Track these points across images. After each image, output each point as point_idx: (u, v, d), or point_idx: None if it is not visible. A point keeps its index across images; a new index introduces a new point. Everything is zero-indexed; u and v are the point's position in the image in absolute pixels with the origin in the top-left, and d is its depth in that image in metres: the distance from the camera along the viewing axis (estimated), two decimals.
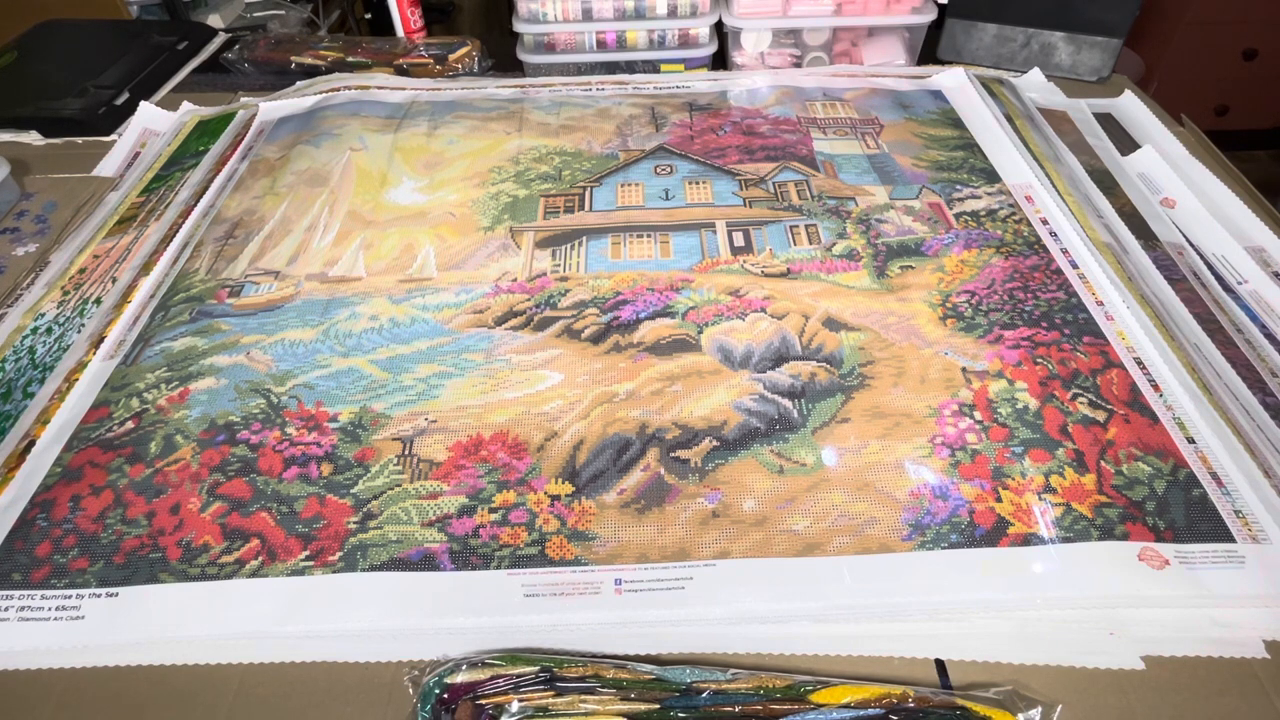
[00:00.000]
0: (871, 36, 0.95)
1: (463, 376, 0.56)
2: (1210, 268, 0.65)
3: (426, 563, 0.45)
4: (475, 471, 0.50)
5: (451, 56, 0.96)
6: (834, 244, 0.67)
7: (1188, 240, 0.68)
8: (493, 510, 0.48)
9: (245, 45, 1.01)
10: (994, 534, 0.45)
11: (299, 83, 0.94)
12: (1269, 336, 0.58)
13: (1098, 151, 0.79)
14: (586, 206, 0.72)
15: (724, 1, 0.92)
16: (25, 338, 0.61)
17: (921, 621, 0.43)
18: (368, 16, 1.81)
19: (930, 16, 0.90)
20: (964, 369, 0.55)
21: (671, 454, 0.50)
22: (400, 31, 1.03)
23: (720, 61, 0.97)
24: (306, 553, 0.46)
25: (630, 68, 0.96)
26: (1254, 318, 0.60)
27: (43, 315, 0.63)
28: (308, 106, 0.88)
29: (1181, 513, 0.46)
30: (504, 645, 0.41)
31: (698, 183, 0.75)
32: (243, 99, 0.92)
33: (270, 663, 0.42)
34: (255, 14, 1.36)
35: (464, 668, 0.39)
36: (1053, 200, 0.69)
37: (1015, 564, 0.44)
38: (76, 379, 0.57)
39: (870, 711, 0.38)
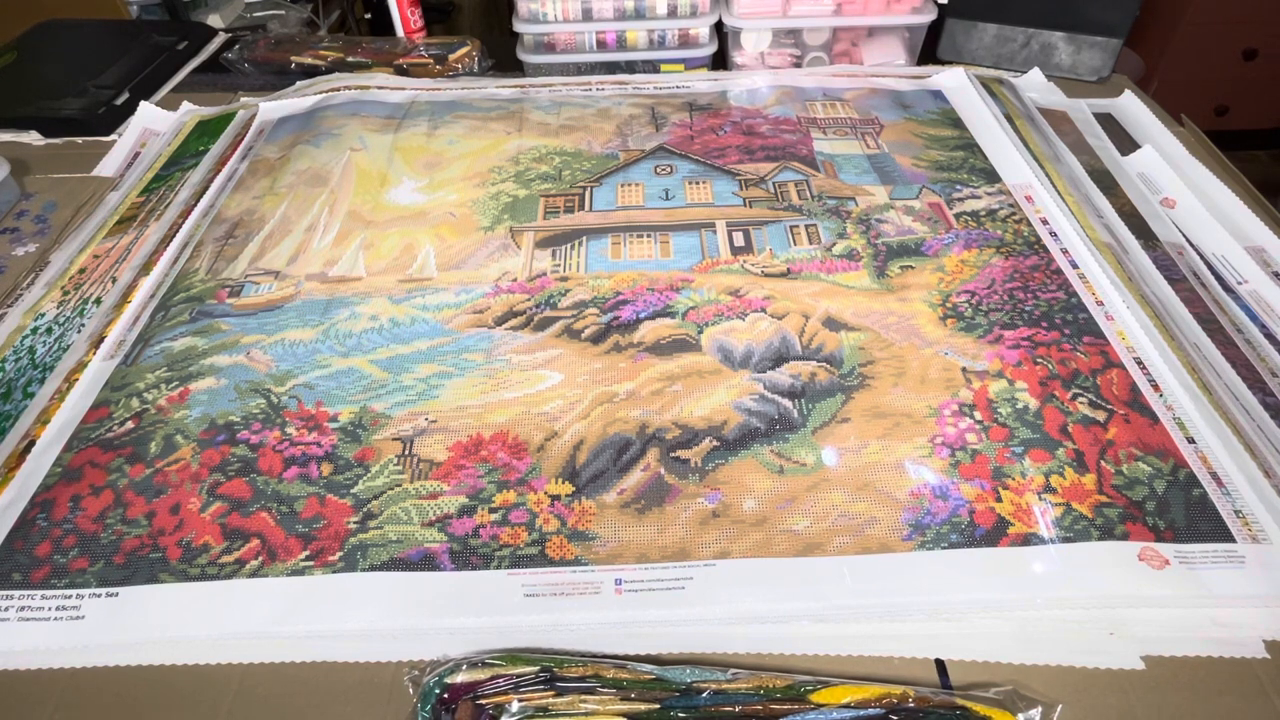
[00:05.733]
0: (871, 36, 0.95)
1: (463, 376, 0.56)
2: (1210, 268, 0.65)
3: (426, 563, 0.45)
4: (475, 471, 0.50)
5: (451, 56, 0.96)
6: (834, 244, 0.67)
7: (1188, 240, 0.68)
8: (493, 510, 0.48)
9: (245, 45, 1.01)
10: (994, 534, 0.45)
11: (299, 83, 0.94)
12: (1269, 336, 0.58)
13: (1098, 151, 0.79)
14: (586, 206, 0.72)
15: (724, 1, 0.92)
16: (25, 338, 0.61)
17: (921, 621, 0.43)
18: (368, 16, 1.81)
19: (930, 16, 0.90)
20: (964, 369, 0.55)
21: (671, 454, 0.50)
22: (400, 31, 1.03)
23: (720, 61, 0.97)
24: (306, 553, 0.46)
25: (630, 68, 0.96)
26: (1254, 318, 0.60)
27: (43, 315, 0.63)
28: (308, 106, 0.88)
29: (1181, 513, 0.46)
30: (504, 645, 0.41)
31: (698, 183, 0.75)
32: (243, 99, 0.92)
33: (270, 663, 0.42)
34: (255, 14, 1.36)
35: (464, 668, 0.39)
36: (1053, 200, 0.69)
37: (1015, 564, 0.44)
38: (76, 379, 0.57)
39: (870, 711, 0.38)
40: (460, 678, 0.39)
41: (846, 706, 0.38)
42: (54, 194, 0.77)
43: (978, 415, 0.52)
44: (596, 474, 0.50)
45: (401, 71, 0.96)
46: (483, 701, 0.38)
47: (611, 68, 0.96)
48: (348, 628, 0.42)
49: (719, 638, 0.42)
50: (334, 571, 0.45)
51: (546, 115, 0.85)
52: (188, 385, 0.56)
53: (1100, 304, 0.59)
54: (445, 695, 0.38)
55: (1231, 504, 0.46)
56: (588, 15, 0.91)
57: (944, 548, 0.45)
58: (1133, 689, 0.40)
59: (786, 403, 0.53)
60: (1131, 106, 0.86)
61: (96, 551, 0.46)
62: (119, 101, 0.90)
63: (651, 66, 0.96)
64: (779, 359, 0.57)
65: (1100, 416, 0.51)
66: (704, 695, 0.38)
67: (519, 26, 0.93)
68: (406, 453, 0.51)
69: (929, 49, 0.95)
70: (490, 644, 0.42)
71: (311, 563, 0.45)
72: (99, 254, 0.69)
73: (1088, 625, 0.42)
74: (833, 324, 0.59)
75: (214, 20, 1.30)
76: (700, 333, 0.59)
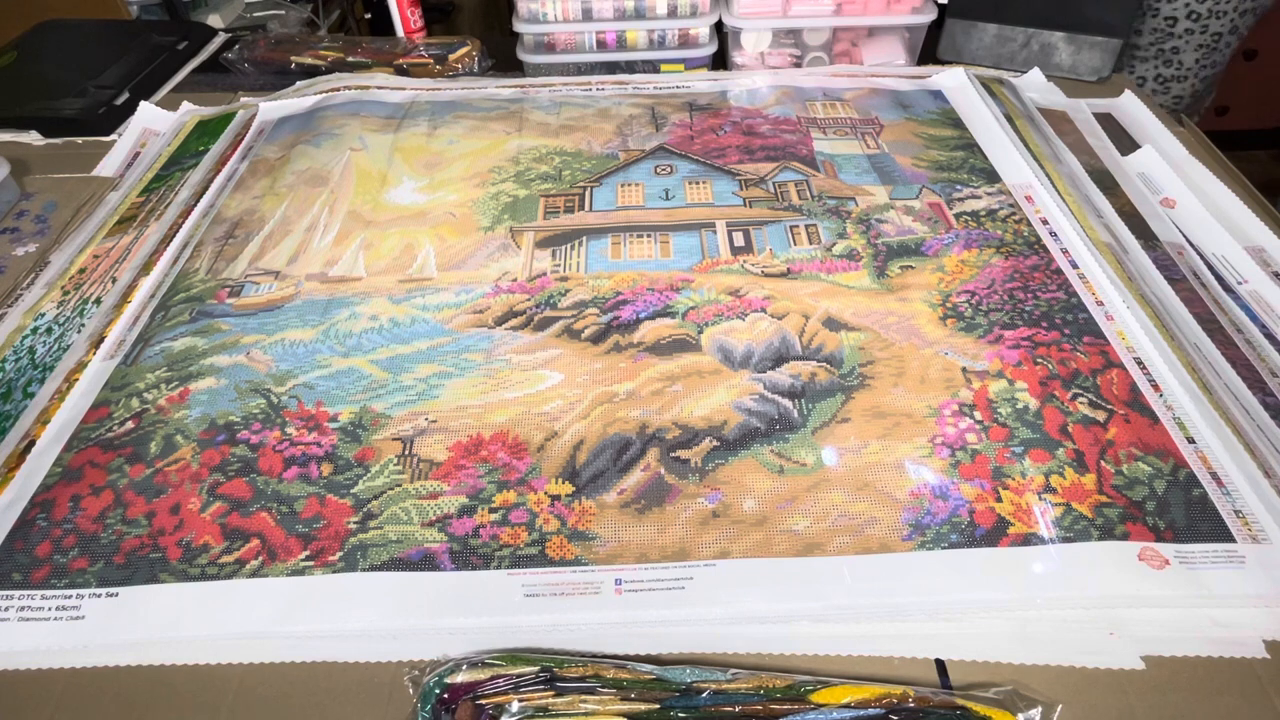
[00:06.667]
0: (871, 36, 0.95)
1: (463, 376, 0.56)
2: (1210, 268, 0.65)
3: (426, 563, 0.45)
4: (475, 471, 0.50)
5: (451, 56, 0.96)
6: (834, 244, 0.67)
7: (1188, 240, 0.68)
8: (493, 510, 0.48)
9: (245, 45, 1.01)
10: (994, 534, 0.45)
11: (299, 83, 0.94)
12: (1269, 336, 0.58)
13: (1098, 151, 0.79)
14: (586, 206, 0.72)
15: (724, 1, 0.92)
16: (25, 338, 0.61)
17: (921, 621, 0.43)
18: (368, 16, 1.81)
19: (930, 16, 0.90)
20: (964, 369, 0.55)
21: (671, 454, 0.50)
22: (400, 31, 1.03)
23: (720, 61, 0.97)
24: (306, 553, 0.46)
25: (630, 68, 0.96)
26: (1254, 318, 0.60)
27: (43, 315, 0.63)
28: (308, 106, 0.88)
29: (1181, 513, 0.46)
30: (504, 645, 0.41)
31: (698, 183, 0.75)
32: (243, 99, 0.92)
33: (270, 663, 0.42)
34: (255, 14, 1.36)
35: (464, 668, 0.39)
36: (1053, 200, 0.69)
37: (1015, 564, 0.44)
38: (76, 379, 0.57)
39: (870, 711, 0.38)
40: (460, 678, 0.39)
41: (846, 706, 0.38)
42: (54, 194, 0.77)
43: (978, 415, 0.52)
44: (596, 474, 0.50)
45: (401, 71, 0.96)
46: (483, 701, 0.38)
47: (611, 68, 0.96)
48: (348, 628, 0.42)
49: (719, 638, 0.42)
50: (334, 571, 0.45)
51: (546, 115, 0.85)
52: (188, 385, 0.56)
53: (1100, 304, 0.59)
54: (445, 695, 0.38)
55: (1231, 504, 0.46)
56: (588, 15, 0.91)
57: (944, 548, 0.45)
58: (1133, 689, 0.40)
59: (786, 403, 0.53)
60: (1131, 106, 0.86)
61: (96, 551, 0.46)
62: (119, 101, 0.90)
63: (651, 66, 0.96)
64: (779, 359, 0.57)
65: (1100, 416, 0.51)
66: (704, 695, 0.38)
67: (519, 26, 0.93)
68: (406, 453, 0.51)
69: (929, 49, 0.95)
70: (490, 644, 0.42)
71: (311, 563, 0.45)
72: (99, 254, 0.69)
73: (1088, 625, 0.42)
74: (833, 324, 0.59)
75: (214, 20, 1.30)
76: (700, 333, 0.59)
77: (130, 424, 0.53)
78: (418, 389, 0.55)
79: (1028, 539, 0.45)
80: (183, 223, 0.72)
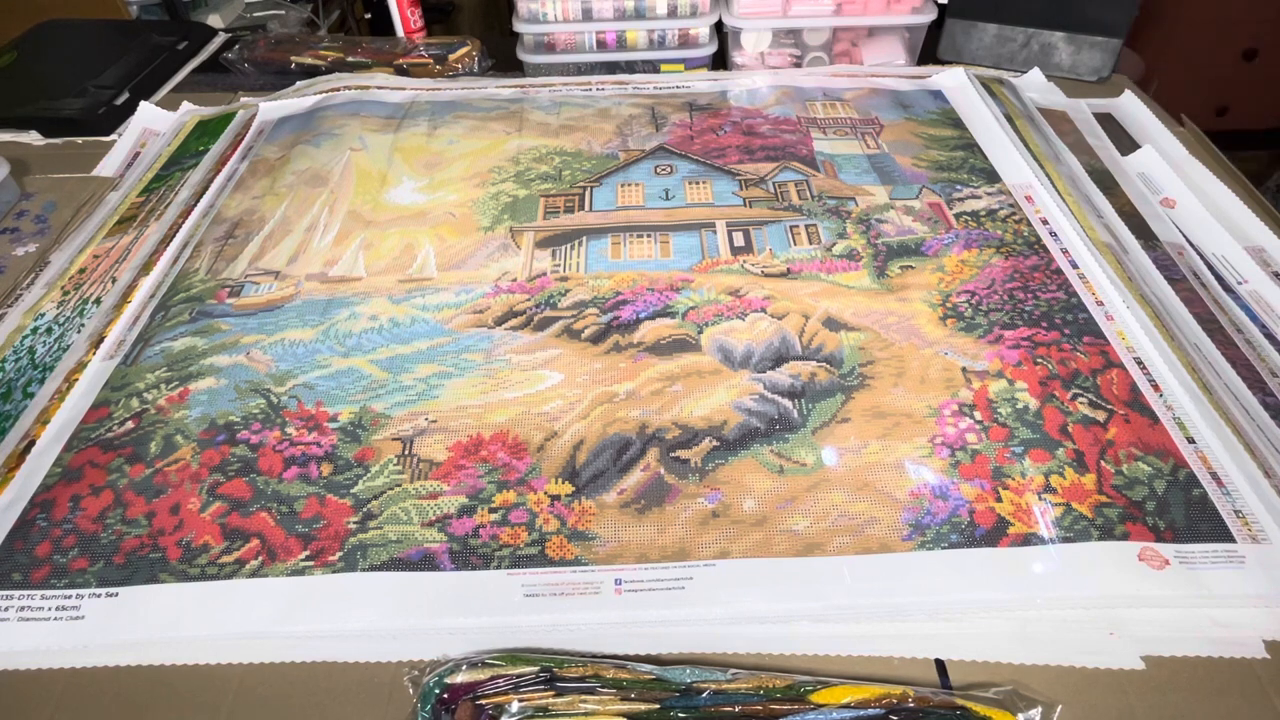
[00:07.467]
0: (871, 36, 0.95)
1: (463, 376, 0.56)
2: (1210, 268, 0.65)
3: (426, 563, 0.45)
4: (475, 471, 0.50)
5: (451, 56, 0.96)
6: (834, 244, 0.67)
7: (1188, 240, 0.68)
8: (493, 510, 0.48)
9: (245, 45, 1.01)
10: (994, 534, 0.45)
11: (299, 83, 0.94)
12: (1269, 336, 0.58)
13: (1098, 151, 0.79)
14: (586, 206, 0.72)
15: (724, 1, 0.92)
16: (25, 338, 0.61)
17: (921, 621, 0.43)
18: (368, 16, 1.81)
19: (930, 16, 0.90)
20: (964, 369, 0.55)
21: (671, 454, 0.50)
22: (400, 31, 1.03)
23: (720, 61, 0.97)
24: (306, 553, 0.46)
25: (630, 68, 0.96)
26: (1254, 318, 0.60)
27: (43, 315, 0.63)
28: (308, 106, 0.88)
29: (1181, 513, 0.46)
30: (504, 645, 0.41)
31: (698, 183, 0.75)
32: (243, 99, 0.92)
33: (270, 663, 0.42)
34: (255, 14, 1.36)
35: (464, 668, 0.39)
36: (1053, 200, 0.69)
37: (1015, 564, 0.44)
38: (76, 379, 0.57)
39: (870, 711, 0.38)
40: (460, 678, 0.39)
41: (846, 706, 0.38)
42: (54, 194, 0.77)
43: (978, 415, 0.52)
44: (596, 474, 0.50)
45: (401, 71, 0.96)
46: (483, 701, 0.38)
47: (611, 68, 0.96)
48: (348, 628, 0.42)
49: (719, 638, 0.42)
50: (334, 571, 0.45)
51: (546, 115, 0.85)
52: (188, 385, 0.56)
53: (1100, 304, 0.59)
54: (445, 695, 0.38)
55: (1231, 504, 0.46)
56: (588, 15, 0.91)
57: (944, 548, 0.45)
58: (1133, 689, 0.40)
59: (786, 403, 0.53)
60: (1131, 106, 0.86)
61: (96, 551, 0.46)
62: (119, 101, 0.90)
63: (651, 66, 0.96)
64: (779, 359, 0.57)
65: (1100, 416, 0.51)
66: (704, 695, 0.38)
67: (519, 26, 0.93)
68: (406, 453, 0.51)
69: (929, 49, 0.95)
70: (490, 644, 0.42)
71: (311, 563, 0.45)
72: (99, 254, 0.69)
73: (1088, 625, 0.42)
74: (833, 324, 0.59)
75: (214, 20, 1.30)
76: (700, 333, 0.59)
77: (130, 424, 0.53)
78: (417, 389, 0.55)
79: (1028, 539, 0.45)
80: (183, 223, 0.72)
